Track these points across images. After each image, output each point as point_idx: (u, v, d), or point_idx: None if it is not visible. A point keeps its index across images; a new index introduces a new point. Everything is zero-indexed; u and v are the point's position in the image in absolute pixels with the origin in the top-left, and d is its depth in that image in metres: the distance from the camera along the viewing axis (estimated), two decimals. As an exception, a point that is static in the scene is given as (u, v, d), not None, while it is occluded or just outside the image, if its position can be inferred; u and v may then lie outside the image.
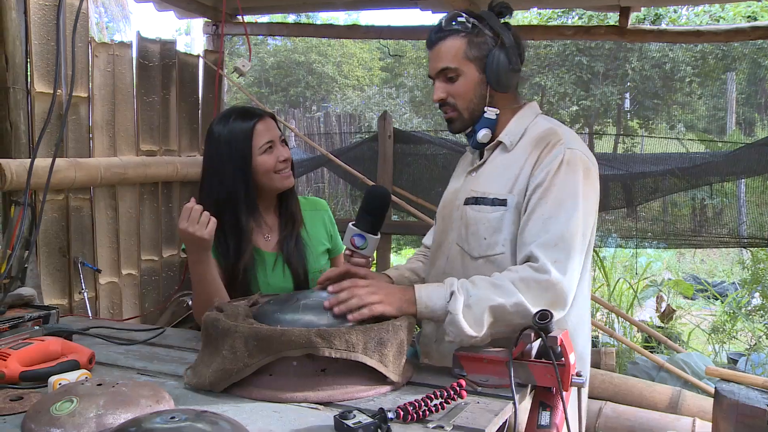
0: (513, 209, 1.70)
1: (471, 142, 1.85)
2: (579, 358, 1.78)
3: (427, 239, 2.13)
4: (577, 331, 1.77)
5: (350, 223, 1.80)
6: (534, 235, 1.62)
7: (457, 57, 1.74)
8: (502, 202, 1.71)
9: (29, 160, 2.75)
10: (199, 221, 1.76)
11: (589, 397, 3.32)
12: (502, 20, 1.79)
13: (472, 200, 1.77)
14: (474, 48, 1.73)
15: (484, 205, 1.73)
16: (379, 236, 1.82)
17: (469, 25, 1.73)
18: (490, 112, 1.78)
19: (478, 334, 1.54)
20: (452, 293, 1.56)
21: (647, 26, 4.62)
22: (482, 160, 1.83)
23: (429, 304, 1.57)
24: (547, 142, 1.70)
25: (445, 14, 1.81)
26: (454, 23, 1.75)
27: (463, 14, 1.76)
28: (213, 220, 1.78)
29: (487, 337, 1.57)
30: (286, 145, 2.07)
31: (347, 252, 1.83)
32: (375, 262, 4.65)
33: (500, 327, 1.57)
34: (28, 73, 2.87)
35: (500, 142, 1.80)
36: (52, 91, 2.93)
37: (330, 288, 1.61)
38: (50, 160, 2.55)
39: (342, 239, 1.96)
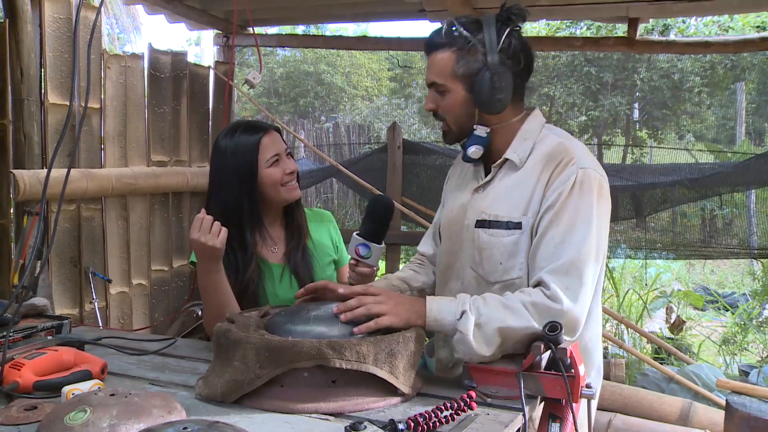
0: (528, 231, 1.64)
1: (463, 156, 1.77)
2: (597, 371, 1.77)
3: (423, 247, 2.06)
4: (594, 345, 1.76)
5: (354, 233, 1.81)
6: (545, 259, 1.57)
7: (444, 73, 1.66)
8: (517, 225, 1.64)
9: (42, 170, 2.79)
10: (211, 231, 1.78)
11: (598, 409, 3.31)
12: (510, 27, 1.65)
13: (485, 223, 1.69)
14: (463, 65, 1.64)
15: (498, 229, 1.67)
16: (383, 245, 1.82)
17: (462, 39, 1.64)
18: (480, 130, 1.70)
19: (487, 354, 1.52)
20: (463, 312, 1.53)
21: (656, 37, 4.63)
22: (489, 177, 1.75)
23: (438, 318, 1.55)
24: (559, 160, 1.63)
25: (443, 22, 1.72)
26: (446, 33, 1.66)
27: (457, 25, 1.66)
28: (224, 229, 1.80)
29: (496, 356, 1.54)
30: (292, 157, 2.08)
31: (352, 261, 1.84)
32: (383, 271, 4.66)
33: (510, 346, 1.54)
34: (42, 85, 2.90)
35: (507, 160, 1.72)
36: (65, 103, 2.96)
37: (341, 291, 1.61)
38: (63, 170, 2.58)
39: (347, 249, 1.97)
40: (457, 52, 1.64)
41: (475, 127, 1.70)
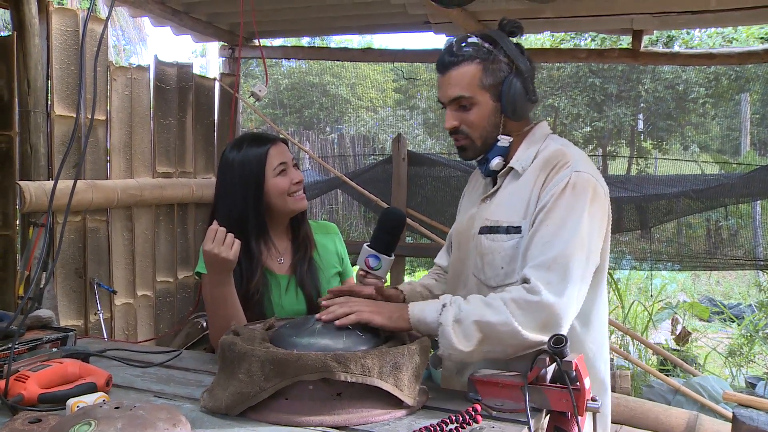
0: (526, 235, 1.65)
1: (483, 170, 1.80)
2: (600, 384, 1.76)
3: (439, 259, 2.09)
4: (597, 357, 1.74)
5: (365, 244, 1.81)
6: (532, 258, 1.58)
7: (471, 85, 1.67)
8: (517, 230, 1.66)
9: (48, 182, 2.80)
10: (225, 243, 1.79)
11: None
12: (514, 41, 1.72)
13: (486, 230, 1.71)
14: (489, 75, 1.66)
15: (498, 234, 1.68)
16: (393, 257, 1.82)
17: (484, 50, 1.66)
18: (504, 140, 1.73)
19: (467, 350, 1.52)
20: (444, 305, 1.56)
21: (660, 49, 4.64)
22: (495, 188, 1.78)
23: (421, 317, 1.57)
24: (555, 163, 1.66)
25: (453, 37, 1.74)
26: (465, 47, 1.67)
27: (476, 37, 1.69)
28: (237, 241, 1.81)
29: (478, 355, 1.55)
30: (298, 168, 2.10)
31: (361, 273, 1.84)
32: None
33: (491, 346, 1.54)
34: (48, 97, 2.92)
35: (512, 169, 1.74)
36: (71, 114, 2.98)
37: (325, 302, 1.64)
38: (69, 182, 2.59)
39: (354, 261, 1.97)
40: (482, 63, 1.67)
41: (499, 138, 1.73)
